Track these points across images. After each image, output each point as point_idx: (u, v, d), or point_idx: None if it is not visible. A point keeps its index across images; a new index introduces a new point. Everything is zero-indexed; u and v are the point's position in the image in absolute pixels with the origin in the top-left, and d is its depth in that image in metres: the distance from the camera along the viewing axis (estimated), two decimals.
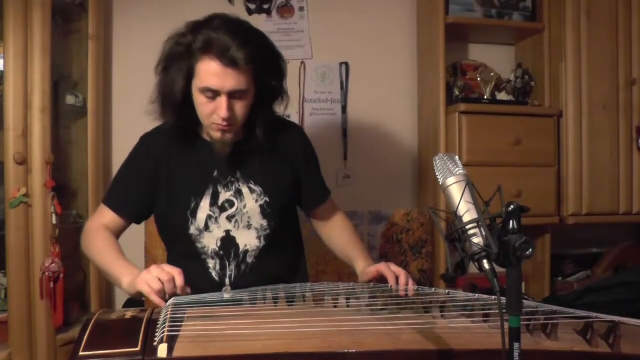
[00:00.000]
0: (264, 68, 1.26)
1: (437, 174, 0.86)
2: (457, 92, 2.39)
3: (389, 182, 2.53)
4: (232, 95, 1.24)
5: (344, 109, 2.47)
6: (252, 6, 2.38)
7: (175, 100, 1.26)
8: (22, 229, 1.81)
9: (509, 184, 2.23)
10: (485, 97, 2.43)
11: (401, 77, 2.55)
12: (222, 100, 1.23)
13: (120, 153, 2.25)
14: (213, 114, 1.25)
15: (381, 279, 1.29)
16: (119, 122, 2.28)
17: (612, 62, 2.36)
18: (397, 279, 1.26)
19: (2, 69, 1.81)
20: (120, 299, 2.26)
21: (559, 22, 2.36)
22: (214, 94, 1.23)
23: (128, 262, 1.25)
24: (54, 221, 1.86)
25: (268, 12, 2.39)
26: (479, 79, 2.45)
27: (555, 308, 1.01)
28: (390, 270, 1.28)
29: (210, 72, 1.20)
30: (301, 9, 2.43)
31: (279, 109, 1.40)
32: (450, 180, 0.83)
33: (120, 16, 2.28)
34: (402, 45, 2.55)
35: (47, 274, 1.81)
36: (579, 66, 2.34)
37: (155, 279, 1.09)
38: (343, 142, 2.46)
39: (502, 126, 2.27)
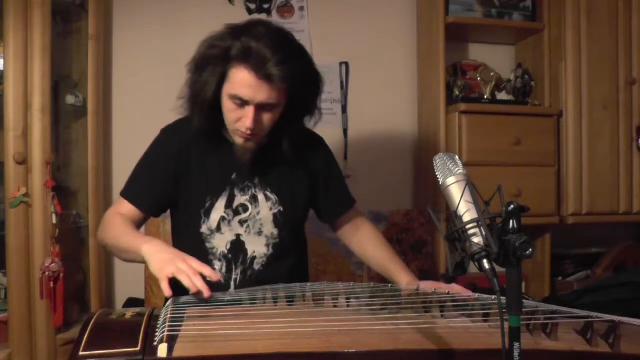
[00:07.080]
0: (299, 86, 1.24)
1: (437, 173, 0.86)
2: (457, 92, 2.39)
3: (389, 182, 2.53)
4: (261, 107, 1.23)
5: (344, 108, 2.47)
6: (252, 6, 2.38)
7: (206, 102, 1.26)
8: (22, 229, 1.81)
9: (509, 184, 2.23)
10: (485, 96, 2.44)
11: (401, 77, 2.55)
12: (250, 110, 1.22)
13: (121, 153, 2.28)
14: (238, 121, 1.25)
15: None
16: (119, 122, 2.28)
17: (612, 62, 2.36)
18: None
19: (2, 69, 1.81)
20: (120, 299, 2.25)
21: (559, 22, 2.36)
22: (242, 102, 1.22)
23: (148, 237, 1.23)
24: (54, 221, 1.86)
25: (268, 12, 2.39)
26: (479, 78, 2.45)
27: (555, 308, 1.01)
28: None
29: (243, 82, 1.19)
30: (301, 8, 2.43)
31: (309, 124, 1.39)
32: (450, 180, 0.82)
33: (120, 16, 2.28)
34: (402, 45, 2.55)
35: (47, 273, 1.81)
36: (579, 66, 2.34)
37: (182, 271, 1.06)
38: (343, 142, 2.46)
39: (502, 126, 2.27)
